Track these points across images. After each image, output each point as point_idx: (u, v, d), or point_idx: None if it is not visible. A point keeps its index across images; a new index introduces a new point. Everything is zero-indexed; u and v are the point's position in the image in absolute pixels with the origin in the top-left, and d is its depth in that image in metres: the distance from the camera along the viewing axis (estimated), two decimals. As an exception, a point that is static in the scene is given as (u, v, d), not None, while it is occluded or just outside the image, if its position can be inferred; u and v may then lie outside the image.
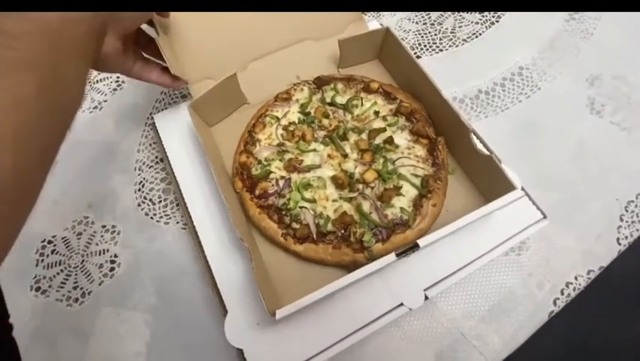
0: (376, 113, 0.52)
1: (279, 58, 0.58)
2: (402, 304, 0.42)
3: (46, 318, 0.49)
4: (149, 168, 0.59)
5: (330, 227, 0.43)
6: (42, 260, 0.53)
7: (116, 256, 0.53)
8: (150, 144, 0.61)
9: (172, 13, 0.49)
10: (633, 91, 0.64)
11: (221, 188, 0.43)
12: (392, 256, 0.37)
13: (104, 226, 0.55)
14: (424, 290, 0.43)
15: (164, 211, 0.56)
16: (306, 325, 0.41)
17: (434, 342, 0.46)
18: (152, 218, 0.55)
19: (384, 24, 0.70)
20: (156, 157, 0.59)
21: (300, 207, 0.44)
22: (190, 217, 0.49)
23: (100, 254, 0.53)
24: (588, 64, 0.67)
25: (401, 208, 0.44)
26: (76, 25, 0.30)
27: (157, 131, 0.55)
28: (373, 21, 0.64)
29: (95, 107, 0.65)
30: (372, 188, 0.46)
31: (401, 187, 0.45)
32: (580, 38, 0.69)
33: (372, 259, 0.42)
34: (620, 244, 0.52)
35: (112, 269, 0.52)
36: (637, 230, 0.53)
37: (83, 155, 0.60)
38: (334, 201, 0.45)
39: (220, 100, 0.53)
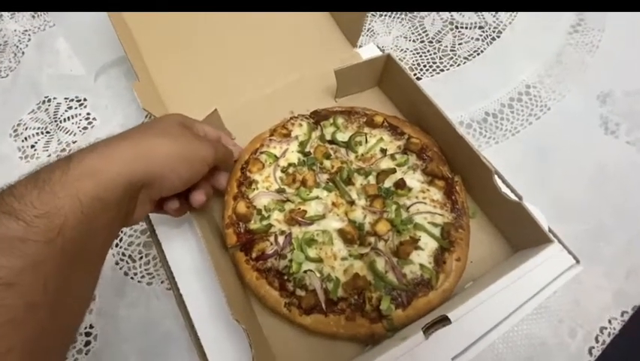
0: (383, 150, 0.46)
1: (268, 93, 0.52)
2: (428, 379, 0.36)
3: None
4: (127, 219, 0.52)
5: (340, 293, 0.37)
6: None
7: (91, 326, 0.46)
8: (127, 191, 0.54)
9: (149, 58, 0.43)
10: (647, 108, 0.60)
11: (209, 250, 0.37)
12: (420, 336, 0.31)
13: (75, 292, 0.47)
14: (452, 360, 0.37)
15: (145, 269, 0.49)
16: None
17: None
18: (132, 278, 0.48)
19: (379, 43, 0.65)
20: (135, 205, 0.52)
21: (305, 271, 0.38)
22: (174, 280, 0.42)
23: (72, 326, 0.46)
24: (597, 80, 0.63)
25: (421, 265, 0.38)
26: (105, 208, 0.28)
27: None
28: (370, 44, 0.59)
29: (63, 150, 0.58)
30: (386, 241, 0.40)
31: (419, 239, 0.39)
32: (585, 52, 0.66)
33: (392, 329, 0.36)
34: (653, 279, 0.48)
35: (87, 343, 0.45)
36: (670, 262, 0.49)
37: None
38: (343, 259, 0.39)
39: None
